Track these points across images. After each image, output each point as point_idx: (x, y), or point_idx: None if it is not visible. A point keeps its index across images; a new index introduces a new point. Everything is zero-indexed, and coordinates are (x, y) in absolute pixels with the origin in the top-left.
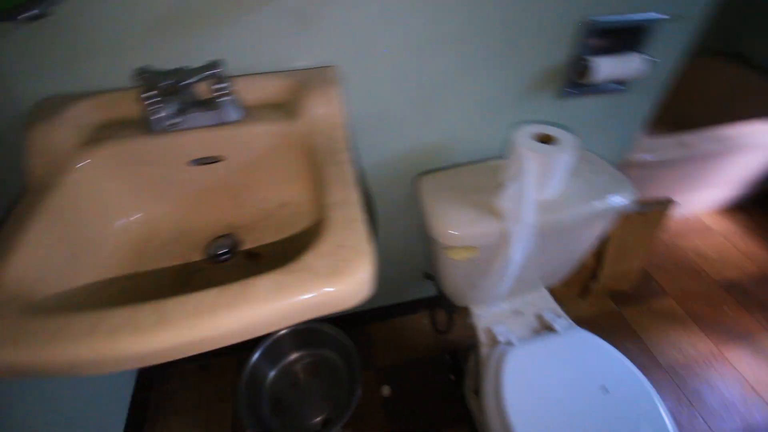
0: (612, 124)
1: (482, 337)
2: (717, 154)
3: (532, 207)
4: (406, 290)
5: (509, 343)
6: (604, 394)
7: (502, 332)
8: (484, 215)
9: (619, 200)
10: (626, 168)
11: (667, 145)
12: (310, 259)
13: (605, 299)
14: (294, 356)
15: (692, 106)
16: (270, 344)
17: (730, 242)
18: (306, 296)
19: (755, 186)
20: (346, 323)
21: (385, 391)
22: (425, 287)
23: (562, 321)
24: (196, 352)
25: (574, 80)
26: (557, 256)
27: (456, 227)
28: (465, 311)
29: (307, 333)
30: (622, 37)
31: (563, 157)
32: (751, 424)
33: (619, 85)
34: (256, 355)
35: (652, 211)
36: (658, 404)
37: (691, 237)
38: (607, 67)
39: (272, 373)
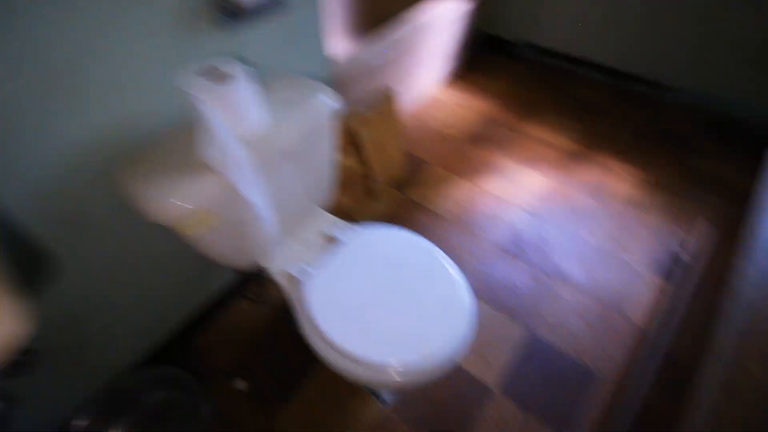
0: (296, 41)
1: (284, 283)
2: (419, 39)
3: (235, 147)
4: (204, 289)
5: (306, 275)
6: (395, 269)
7: (297, 269)
8: (197, 174)
9: (326, 107)
10: (342, 76)
11: (374, 44)
12: None
13: (392, 192)
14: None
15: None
16: None
17: (460, 106)
18: None
19: (460, 55)
20: (169, 356)
21: (241, 385)
22: (225, 274)
23: (344, 230)
24: None
25: (226, 6)
26: (306, 178)
27: (175, 197)
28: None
29: (122, 392)
30: None
31: (242, 88)
32: (513, 224)
33: (274, 2)
34: None
35: (381, 104)
36: (440, 258)
37: (432, 113)
38: None
39: None
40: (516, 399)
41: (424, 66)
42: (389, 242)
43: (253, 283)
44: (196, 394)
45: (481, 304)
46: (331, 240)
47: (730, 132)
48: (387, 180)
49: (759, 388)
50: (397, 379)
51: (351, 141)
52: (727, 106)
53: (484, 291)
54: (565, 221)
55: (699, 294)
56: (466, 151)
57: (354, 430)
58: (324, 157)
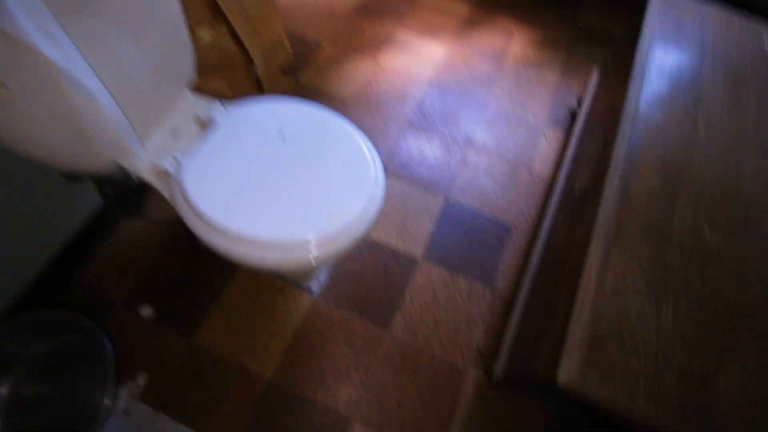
0: None
1: (157, 183)
2: None
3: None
4: (69, 214)
5: (181, 167)
6: (291, 142)
7: (168, 162)
8: None
9: None
10: None
11: None
12: None
13: (282, 79)
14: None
15: None
16: None
17: None
18: None
19: None
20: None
21: (146, 311)
22: (89, 193)
23: (220, 112)
24: None
25: None
26: (151, 51)
27: None
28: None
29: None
30: None
31: None
32: (418, 97)
33: None
34: None
35: None
36: (339, 122)
37: None
38: None
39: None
40: (441, 262)
41: None
42: (281, 115)
43: (128, 194)
44: (90, 334)
45: (396, 181)
46: (209, 123)
47: None
48: (273, 66)
49: (649, 188)
50: (315, 253)
51: (210, 8)
52: None
53: (398, 167)
54: (468, 89)
55: (592, 129)
56: (359, 26)
57: (285, 327)
58: (168, 23)
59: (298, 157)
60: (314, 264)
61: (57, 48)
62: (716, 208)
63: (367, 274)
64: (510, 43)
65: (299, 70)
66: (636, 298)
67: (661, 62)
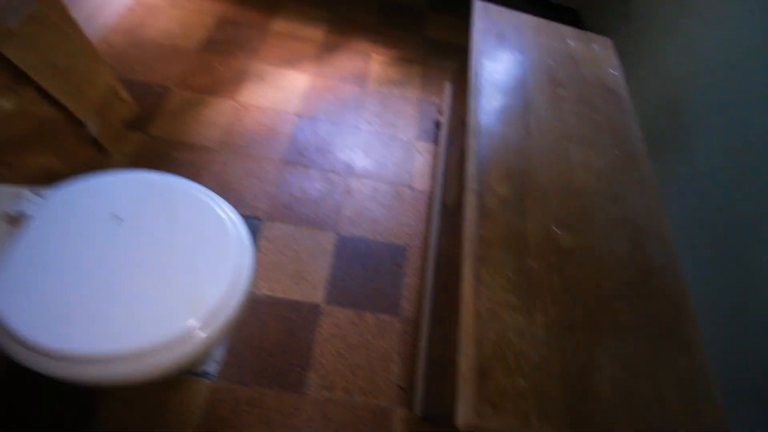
0: None
1: None
2: None
3: None
4: None
5: None
6: (119, 221)
7: None
8: None
9: None
10: None
11: None
12: None
13: (129, 135)
14: None
15: None
16: None
17: (179, 9)
18: None
19: None
20: None
21: None
22: None
23: (32, 201)
24: None
25: None
26: None
27: None
28: None
29: None
30: None
31: None
32: (288, 133)
33: None
34: None
35: (37, 10)
36: (183, 189)
37: (148, 23)
38: None
39: None
40: (344, 302)
41: None
42: (111, 191)
43: None
44: None
45: (282, 226)
46: (20, 219)
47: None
48: (113, 121)
49: (502, 199)
50: (203, 335)
51: (8, 73)
52: None
53: (282, 210)
54: (337, 115)
55: (452, 142)
56: (208, 63)
57: (188, 422)
58: None
59: (140, 239)
60: (206, 345)
61: None
62: (559, 205)
63: (269, 336)
64: (369, 64)
65: (148, 122)
66: (511, 314)
67: (491, 74)
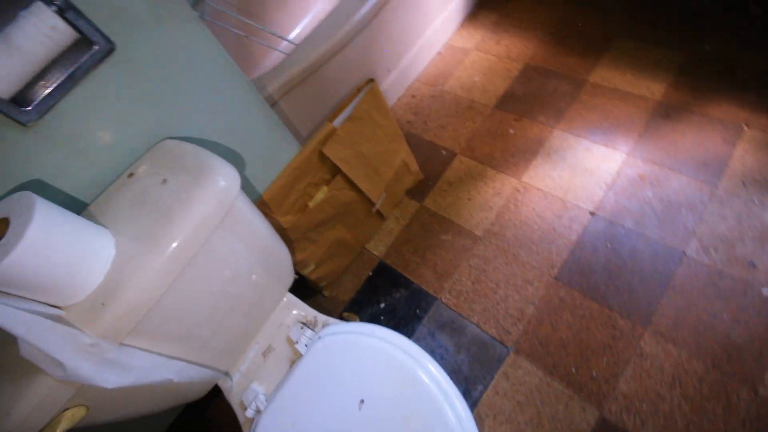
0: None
1: (240, 417)
2: None
3: (64, 335)
4: None
5: (258, 411)
6: (362, 407)
7: (250, 397)
8: (31, 379)
9: (224, 189)
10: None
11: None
12: None
13: (405, 203)
14: None
15: None
16: None
17: (485, 53)
18: None
19: None
20: None
21: None
22: None
23: (306, 335)
24: None
25: None
26: (242, 295)
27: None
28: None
29: None
30: None
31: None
32: (569, 235)
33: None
34: None
35: (359, 106)
36: (432, 385)
37: (452, 71)
38: None
39: None
40: None
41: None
42: (363, 363)
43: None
44: None
45: (529, 367)
46: (294, 347)
47: None
48: (398, 192)
49: None
50: None
51: (330, 170)
52: None
53: (535, 347)
54: (654, 226)
55: None
56: (502, 125)
57: None
58: (247, 261)
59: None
60: None
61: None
62: None
63: None
64: (734, 145)
65: (427, 189)
66: None
67: None
